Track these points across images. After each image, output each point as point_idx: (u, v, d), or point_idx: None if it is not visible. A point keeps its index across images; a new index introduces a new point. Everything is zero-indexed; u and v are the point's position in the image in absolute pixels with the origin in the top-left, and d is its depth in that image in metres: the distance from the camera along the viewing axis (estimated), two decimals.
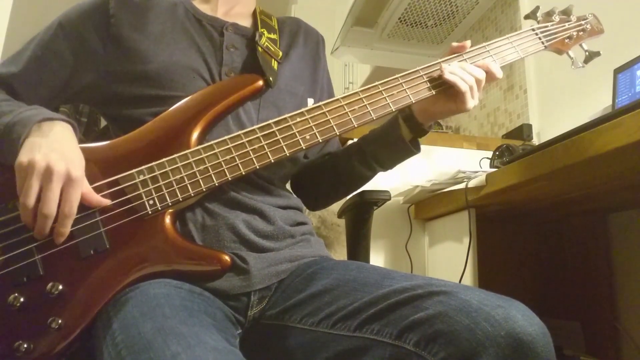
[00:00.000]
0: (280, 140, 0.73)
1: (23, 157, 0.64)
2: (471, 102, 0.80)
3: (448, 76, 0.79)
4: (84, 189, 0.66)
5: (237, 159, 0.72)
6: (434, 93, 0.80)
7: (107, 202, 0.68)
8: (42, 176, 0.63)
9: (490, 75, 0.82)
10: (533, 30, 0.92)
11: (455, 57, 0.84)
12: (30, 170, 0.63)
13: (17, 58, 0.80)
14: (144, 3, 0.82)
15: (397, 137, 0.86)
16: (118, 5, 0.80)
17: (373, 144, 0.89)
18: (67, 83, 0.80)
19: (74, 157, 0.66)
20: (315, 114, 0.76)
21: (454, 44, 0.85)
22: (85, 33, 0.79)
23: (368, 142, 0.90)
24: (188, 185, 0.70)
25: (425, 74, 0.81)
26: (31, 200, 0.62)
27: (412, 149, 0.86)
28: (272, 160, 0.73)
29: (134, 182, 0.69)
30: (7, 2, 1.90)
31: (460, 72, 0.79)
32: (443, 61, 0.83)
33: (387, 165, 0.91)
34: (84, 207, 0.67)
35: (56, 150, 0.65)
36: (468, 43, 0.85)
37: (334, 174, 0.94)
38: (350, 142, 1.49)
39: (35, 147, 0.65)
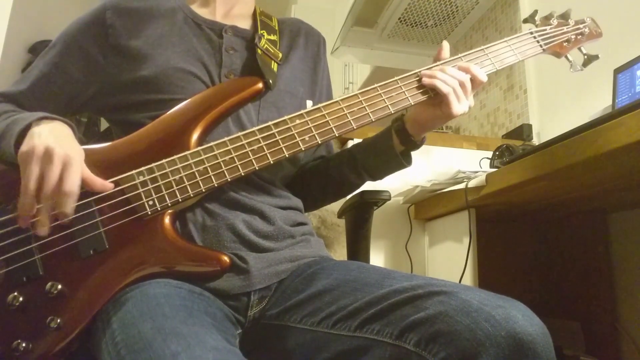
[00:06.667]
0: (280, 141, 0.73)
1: (24, 146, 0.65)
2: (457, 106, 0.78)
3: (425, 81, 0.79)
4: (85, 174, 0.67)
5: (236, 160, 0.72)
6: (432, 95, 0.80)
7: (111, 186, 0.68)
8: (42, 159, 0.63)
9: (474, 80, 0.80)
10: (531, 33, 0.92)
11: (454, 59, 0.83)
12: (30, 155, 0.63)
13: (25, 77, 0.82)
14: (141, 10, 0.83)
15: (388, 147, 0.86)
16: (115, 15, 0.81)
17: (364, 152, 0.90)
18: (74, 97, 0.82)
19: (73, 144, 0.68)
20: (315, 115, 0.76)
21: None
22: (86, 46, 0.81)
23: (360, 149, 0.91)
24: (187, 186, 0.70)
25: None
26: (32, 183, 0.63)
27: (403, 161, 0.86)
28: (272, 162, 0.73)
29: (133, 182, 0.69)
30: (7, 2, 1.90)
31: (440, 75, 0.78)
32: (442, 63, 0.82)
33: (376, 175, 0.90)
34: (83, 205, 0.67)
35: (54, 136, 0.66)
36: (445, 45, 0.84)
37: (324, 177, 0.94)
38: (350, 142, 1.50)
39: (35, 135, 0.66)
